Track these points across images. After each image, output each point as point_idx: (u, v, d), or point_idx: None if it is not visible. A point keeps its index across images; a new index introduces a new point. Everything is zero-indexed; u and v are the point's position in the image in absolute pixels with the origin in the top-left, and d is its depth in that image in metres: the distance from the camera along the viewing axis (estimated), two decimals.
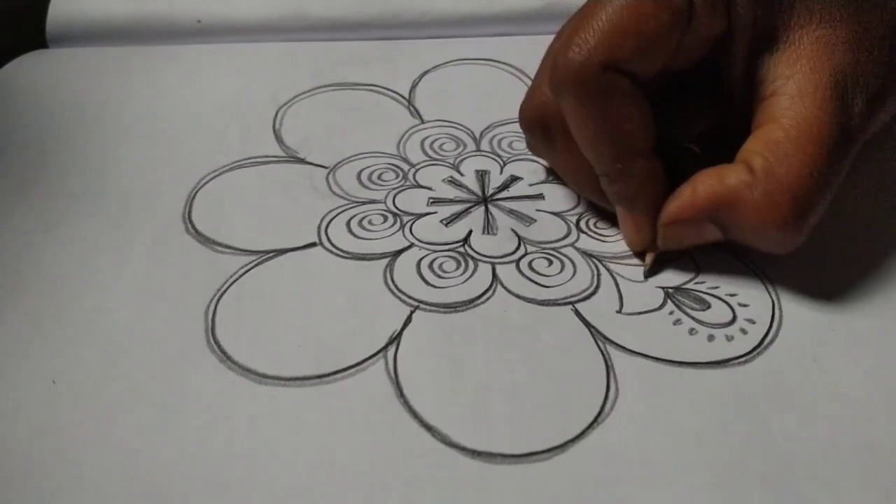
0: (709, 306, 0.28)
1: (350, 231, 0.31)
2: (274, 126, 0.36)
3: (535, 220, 0.31)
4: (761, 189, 0.25)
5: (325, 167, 0.34)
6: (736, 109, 0.28)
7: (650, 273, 0.29)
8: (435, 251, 0.30)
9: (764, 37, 0.27)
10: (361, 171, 0.34)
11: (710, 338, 0.27)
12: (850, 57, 0.26)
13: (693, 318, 0.27)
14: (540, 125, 0.29)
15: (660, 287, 0.28)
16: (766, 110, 0.26)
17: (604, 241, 0.30)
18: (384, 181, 0.33)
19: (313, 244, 0.30)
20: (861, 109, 0.26)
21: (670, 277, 0.29)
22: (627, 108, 0.26)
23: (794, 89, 0.26)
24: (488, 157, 0.35)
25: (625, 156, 0.27)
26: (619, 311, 0.27)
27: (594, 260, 0.29)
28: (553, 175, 0.33)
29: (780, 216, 0.25)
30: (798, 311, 0.27)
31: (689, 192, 0.27)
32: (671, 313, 0.27)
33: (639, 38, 0.25)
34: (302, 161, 0.34)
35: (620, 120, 0.26)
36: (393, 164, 0.34)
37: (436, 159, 0.34)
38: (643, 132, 0.27)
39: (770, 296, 0.28)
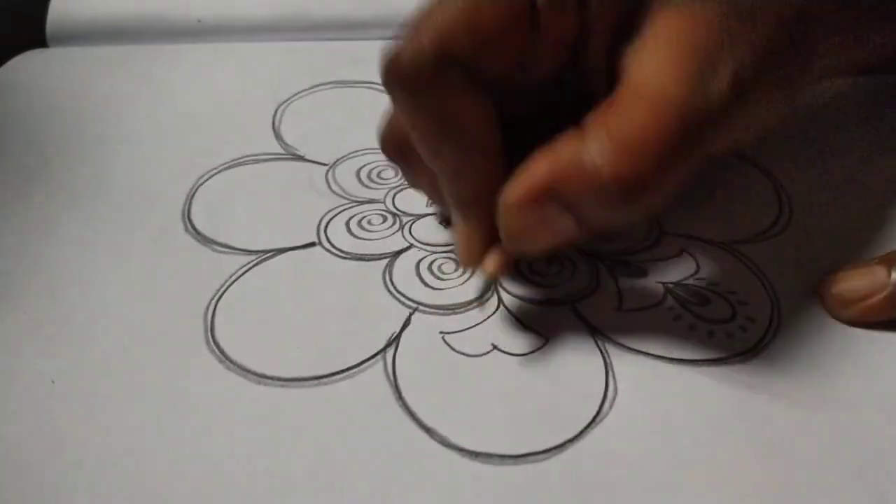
0: (709, 302, 0.28)
1: (349, 231, 0.31)
2: (273, 123, 0.36)
3: None
4: (594, 145, 0.22)
5: (325, 164, 0.34)
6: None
7: (482, 295, 0.26)
8: (434, 252, 0.30)
9: (624, 30, 0.24)
10: (361, 168, 0.34)
11: (710, 334, 0.26)
12: (717, 33, 0.23)
13: (693, 312, 0.27)
14: (396, 148, 0.28)
15: (659, 282, 0.28)
16: (617, 83, 0.24)
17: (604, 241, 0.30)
18: (384, 179, 0.33)
19: (312, 244, 0.30)
20: (722, 88, 0.22)
21: (670, 273, 0.29)
22: (464, 101, 0.24)
23: (644, 57, 0.23)
24: None
25: (463, 151, 0.24)
26: (619, 309, 0.27)
27: (594, 259, 0.29)
28: None
29: (615, 171, 0.21)
30: (797, 312, 0.27)
31: (524, 170, 0.23)
32: (671, 308, 0.27)
33: (474, 34, 0.23)
34: (301, 158, 0.34)
35: (457, 112, 0.24)
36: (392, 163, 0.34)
37: None
38: (484, 127, 0.24)
39: (769, 296, 0.28)
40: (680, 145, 0.22)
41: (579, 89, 0.26)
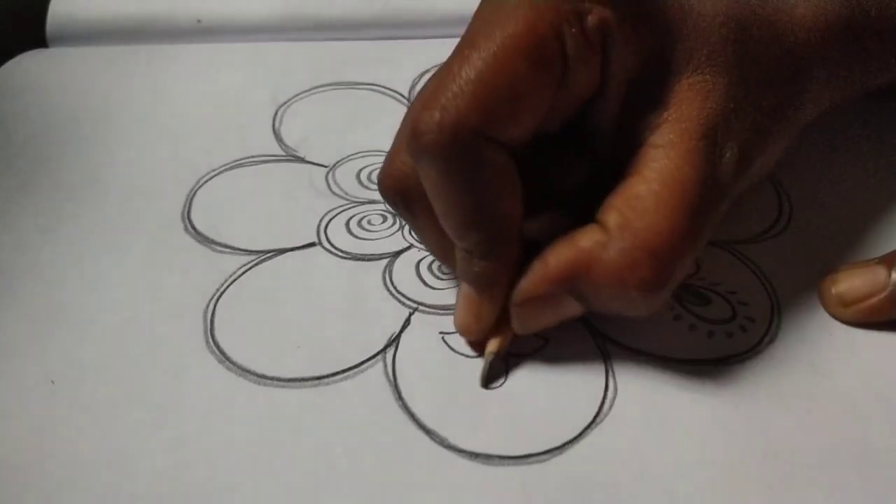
0: (709, 302, 0.28)
1: (349, 231, 0.31)
2: (273, 125, 0.36)
3: None
4: (617, 247, 0.22)
5: (325, 166, 0.34)
6: (608, 165, 0.25)
7: (489, 376, 0.25)
8: None
9: (638, 87, 0.24)
10: (361, 170, 0.34)
11: (710, 334, 0.27)
12: (725, 104, 0.23)
13: (693, 313, 0.27)
14: (401, 195, 0.25)
15: None
16: (631, 163, 0.24)
17: None
18: None
19: (312, 244, 0.30)
20: (732, 160, 0.23)
21: None
22: (501, 186, 0.23)
23: (659, 140, 0.23)
24: None
25: (493, 238, 0.24)
26: None
27: None
28: None
29: (639, 276, 0.22)
30: (797, 313, 0.27)
31: (541, 264, 0.24)
32: (671, 308, 0.27)
33: (513, 100, 0.22)
34: (301, 160, 0.34)
35: (493, 198, 0.23)
36: None
37: None
38: (516, 212, 0.24)
39: (769, 296, 0.28)
40: (697, 231, 0.23)
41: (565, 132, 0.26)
